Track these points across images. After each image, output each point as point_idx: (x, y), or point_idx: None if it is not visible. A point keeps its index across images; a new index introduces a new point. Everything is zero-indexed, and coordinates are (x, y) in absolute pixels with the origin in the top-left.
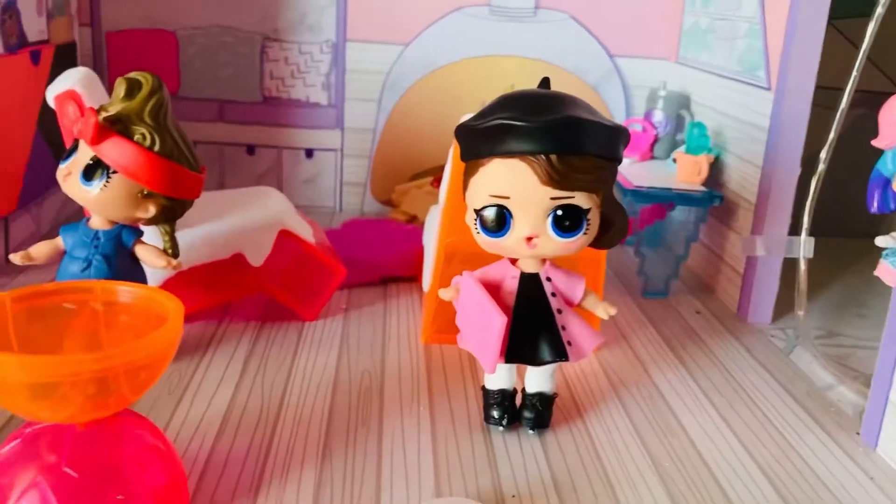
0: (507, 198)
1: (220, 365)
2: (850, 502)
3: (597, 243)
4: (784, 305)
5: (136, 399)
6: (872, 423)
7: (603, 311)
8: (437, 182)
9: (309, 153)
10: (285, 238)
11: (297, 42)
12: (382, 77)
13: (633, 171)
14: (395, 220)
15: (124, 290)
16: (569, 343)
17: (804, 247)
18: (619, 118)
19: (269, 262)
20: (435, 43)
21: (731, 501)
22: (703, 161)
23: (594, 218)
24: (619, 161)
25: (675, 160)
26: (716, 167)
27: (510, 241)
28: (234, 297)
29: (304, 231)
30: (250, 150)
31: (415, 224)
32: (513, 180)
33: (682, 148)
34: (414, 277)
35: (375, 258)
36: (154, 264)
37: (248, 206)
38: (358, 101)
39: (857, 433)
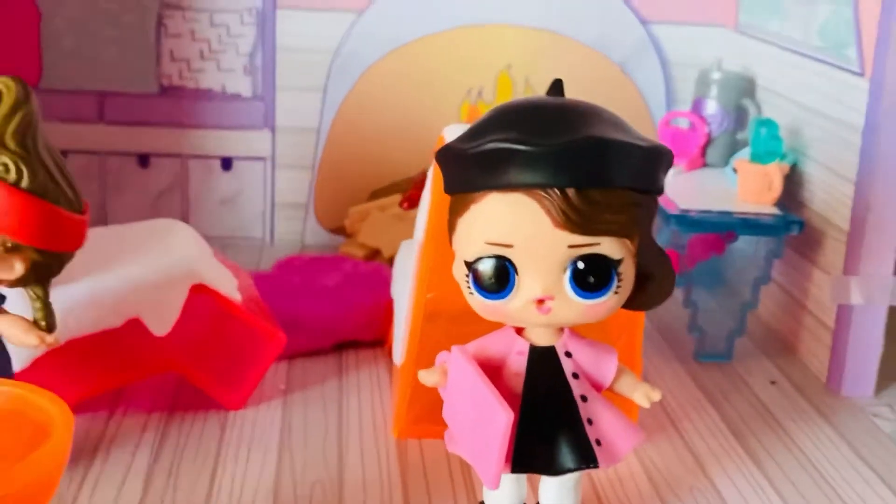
0: (510, 246)
1: (112, 481)
2: None
3: (631, 304)
4: (891, 370)
5: None
6: None
7: (643, 396)
8: (409, 202)
9: (226, 163)
10: (199, 295)
11: (208, 10)
12: (328, 57)
13: (679, 186)
14: (350, 255)
15: None
16: (598, 442)
17: None
18: (657, 111)
19: (178, 329)
20: (400, 9)
21: None
22: (775, 172)
23: (627, 271)
24: (660, 192)
25: (735, 170)
26: (792, 181)
27: (515, 305)
28: (129, 380)
29: (226, 283)
30: (143, 160)
31: (378, 261)
32: (517, 223)
33: (746, 153)
34: (380, 341)
35: (325, 315)
36: (21, 342)
37: (145, 251)
38: (294, 91)
39: None
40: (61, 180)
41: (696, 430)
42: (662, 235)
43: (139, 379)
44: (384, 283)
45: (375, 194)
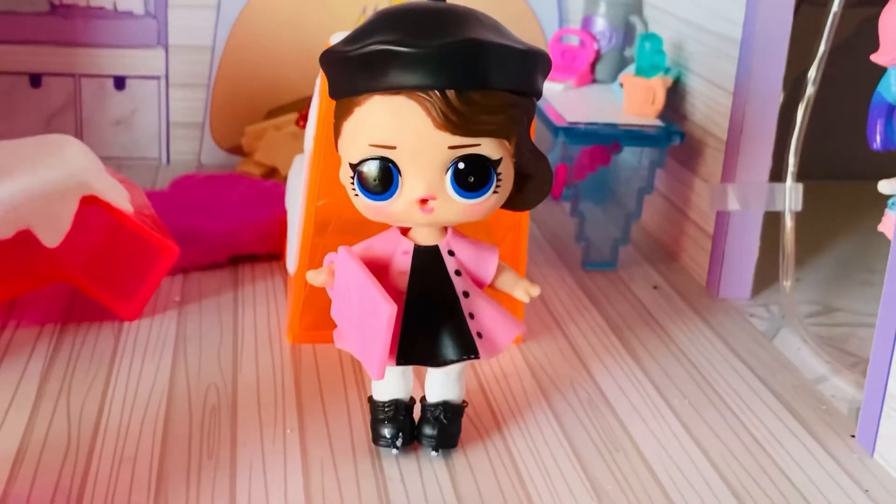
0: (393, 147)
1: (6, 386)
2: None
3: (511, 204)
4: (766, 275)
5: None
6: (869, 422)
7: (523, 291)
8: (305, 120)
9: (119, 83)
10: (91, 207)
11: None
12: None
13: (568, 100)
14: (246, 174)
15: None
16: (479, 335)
17: (790, 196)
18: (549, 28)
19: (70, 240)
20: None
21: None
22: (658, 86)
23: (506, 171)
24: (538, 95)
25: (622, 85)
26: (675, 94)
27: (399, 206)
28: (21, 291)
29: (118, 195)
30: (35, 80)
31: (275, 180)
32: (399, 124)
33: (632, 68)
34: (276, 255)
35: (220, 229)
36: None
37: (37, 164)
38: (187, 8)
39: (853, 436)
40: None
41: (580, 331)
42: (553, 150)
43: (32, 289)
44: (280, 198)
45: (272, 113)
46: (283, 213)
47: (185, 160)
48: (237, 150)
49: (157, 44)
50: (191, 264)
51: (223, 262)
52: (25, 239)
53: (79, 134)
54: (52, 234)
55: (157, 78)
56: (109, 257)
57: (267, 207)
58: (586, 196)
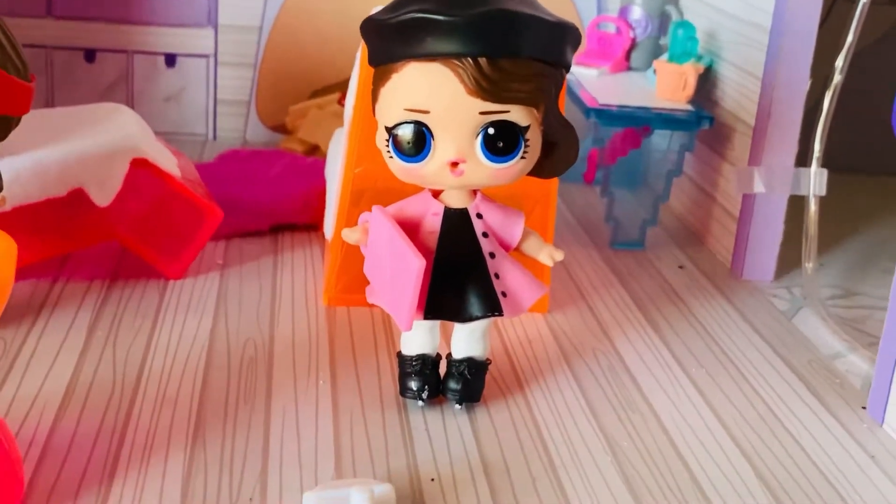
0: (427, 112)
1: (56, 333)
2: (845, 486)
3: (538, 171)
4: (791, 258)
5: None
6: (879, 393)
7: (547, 255)
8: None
9: (170, 60)
10: (141, 170)
11: None
12: None
13: (602, 85)
14: (289, 151)
15: None
16: (503, 294)
17: (815, 182)
18: (587, 15)
19: (120, 201)
20: None
21: (700, 485)
22: (690, 72)
23: (534, 138)
24: (567, 67)
25: (655, 71)
26: (706, 80)
27: (431, 168)
28: (72, 248)
29: (167, 161)
30: (89, 55)
31: (316, 157)
32: (433, 90)
33: (665, 56)
34: (314, 226)
35: (263, 200)
36: None
37: (90, 128)
38: None
39: (864, 408)
40: (8, 47)
41: (605, 304)
42: (586, 134)
43: (82, 247)
44: (320, 173)
45: (315, 94)
46: (322, 185)
47: (231, 137)
48: (281, 128)
49: (207, 23)
50: (233, 231)
51: (264, 231)
52: (78, 198)
53: (130, 108)
54: (103, 194)
55: (207, 56)
56: (157, 218)
57: (307, 180)
58: (617, 178)
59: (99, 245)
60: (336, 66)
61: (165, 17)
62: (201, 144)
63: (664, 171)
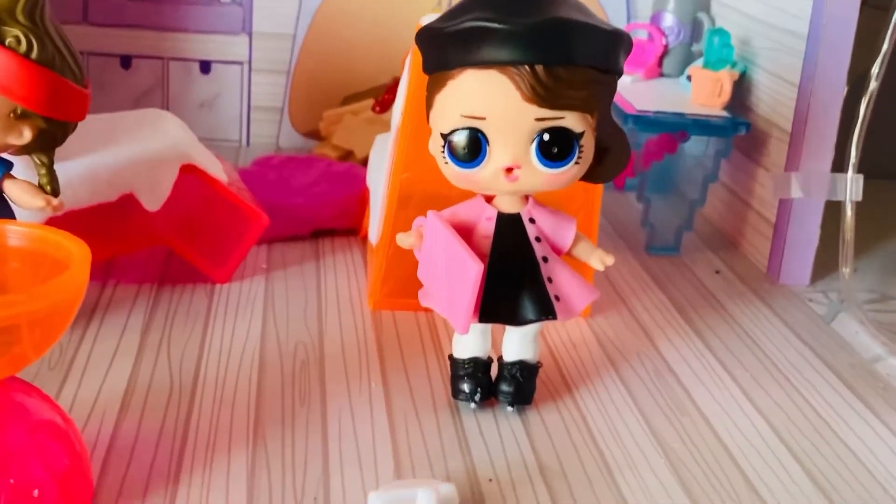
0: (483, 119)
1: (111, 336)
2: None
3: (591, 176)
4: (826, 262)
5: (37, 358)
6: None
7: (598, 260)
8: (381, 106)
9: (205, 67)
10: (189, 176)
11: None
12: None
13: (637, 91)
14: (323, 156)
15: (13, 231)
16: (556, 298)
17: (851, 187)
18: (617, 22)
19: (169, 206)
20: None
21: (755, 488)
22: (726, 78)
23: (588, 144)
24: (620, 73)
25: (689, 78)
26: (741, 86)
27: (486, 174)
28: (122, 252)
29: (214, 167)
30: (125, 62)
31: (350, 162)
32: (489, 97)
33: (699, 62)
34: (354, 230)
35: (303, 205)
36: (29, 204)
37: (138, 133)
38: None
39: None
40: (67, 54)
41: (645, 308)
42: None
43: (131, 251)
44: (357, 178)
45: (347, 100)
46: (360, 191)
47: (265, 143)
48: (313, 135)
49: (241, 31)
50: (275, 237)
51: (305, 236)
52: (128, 202)
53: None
54: (153, 199)
55: (241, 63)
56: (204, 223)
57: (344, 186)
58: (652, 184)
59: (147, 249)
60: (368, 72)
61: (200, 24)
62: (235, 150)
63: (698, 177)
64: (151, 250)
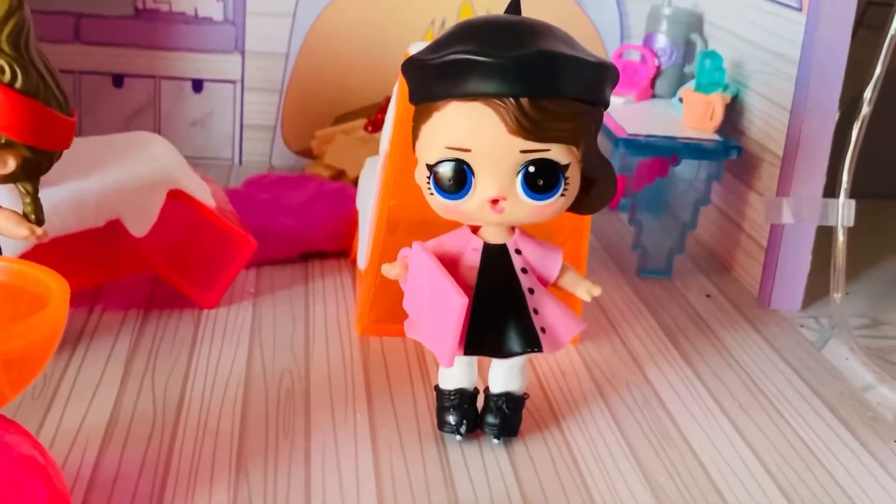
0: (468, 150)
1: (95, 364)
2: None
3: (577, 207)
4: (818, 287)
5: (14, 396)
6: None
7: (585, 291)
8: (373, 126)
9: (197, 85)
10: (176, 201)
11: None
12: None
13: (629, 113)
14: (316, 175)
15: None
16: (542, 330)
17: (843, 212)
18: (611, 44)
19: (156, 231)
20: None
21: None
22: (717, 102)
23: (573, 176)
24: (606, 105)
25: (681, 100)
26: (733, 110)
27: (471, 205)
28: (109, 277)
29: (201, 191)
30: (117, 80)
31: (342, 181)
32: (474, 129)
33: (692, 85)
34: (344, 252)
35: (292, 227)
36: (13, 233)
37: (126, 158)
38: (265, 16)
39: None
40: (52, 83)
41: (635, 334)
42: (613, 160)
43: (118, 277)
44: (348, 199)
45: (340, 119)
46: (351, 212)
47: (257, 161)
48: (306, 153)
49: (234, 49)
50: (263, 259)
51: (294, 258)
52: (114, 228)
53: (157, 133)
54: (139, 225)
55: (234, 82)
56: (191, 248)
57: (336, 207)
58: (643, 206)
59: (133, 275)
60: (361, 91)
61: (193, 43)
62: (227, 169)
63: (689, 200)
64: (139, 275)
